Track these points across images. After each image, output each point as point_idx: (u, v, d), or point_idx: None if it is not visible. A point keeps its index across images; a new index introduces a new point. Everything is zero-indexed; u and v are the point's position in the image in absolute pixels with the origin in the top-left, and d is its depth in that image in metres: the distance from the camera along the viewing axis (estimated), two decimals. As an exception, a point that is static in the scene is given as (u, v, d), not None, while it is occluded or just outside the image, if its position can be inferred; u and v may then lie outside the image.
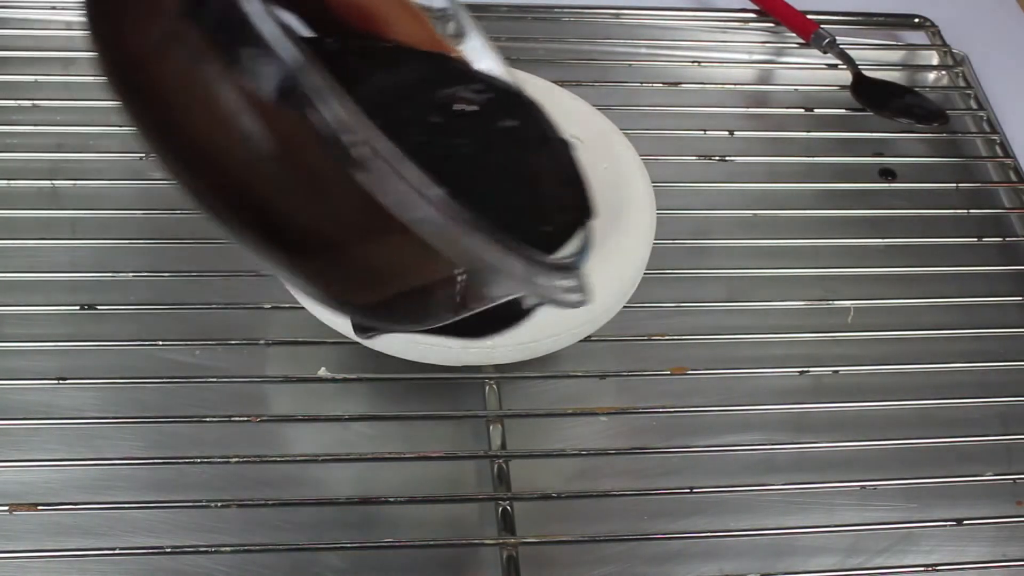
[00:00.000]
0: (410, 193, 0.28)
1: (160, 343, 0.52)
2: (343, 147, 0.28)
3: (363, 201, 0.29)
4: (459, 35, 0.41)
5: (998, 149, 0.67)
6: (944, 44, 0.74)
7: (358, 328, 0.41)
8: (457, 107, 0.37)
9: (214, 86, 0.29)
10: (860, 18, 0.74)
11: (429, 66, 0.38)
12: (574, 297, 0.34)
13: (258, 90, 0.28)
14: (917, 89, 0.70)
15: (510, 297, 0.35)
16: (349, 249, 0.33)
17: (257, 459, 0.48)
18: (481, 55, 0.41)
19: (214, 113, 0.29)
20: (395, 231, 0.30)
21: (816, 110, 0.68)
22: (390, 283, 0.35)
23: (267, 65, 0.27)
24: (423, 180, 0.28)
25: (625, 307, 0.52)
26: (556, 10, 0.72)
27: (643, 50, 0.71)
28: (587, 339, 0.51)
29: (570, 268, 0.34)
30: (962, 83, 0.71)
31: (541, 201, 0.37)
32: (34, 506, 0.46)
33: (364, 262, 0.33)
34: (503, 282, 0.33)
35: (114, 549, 0.45)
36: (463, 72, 0.39)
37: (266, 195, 0.31)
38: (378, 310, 0.36)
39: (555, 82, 0.56)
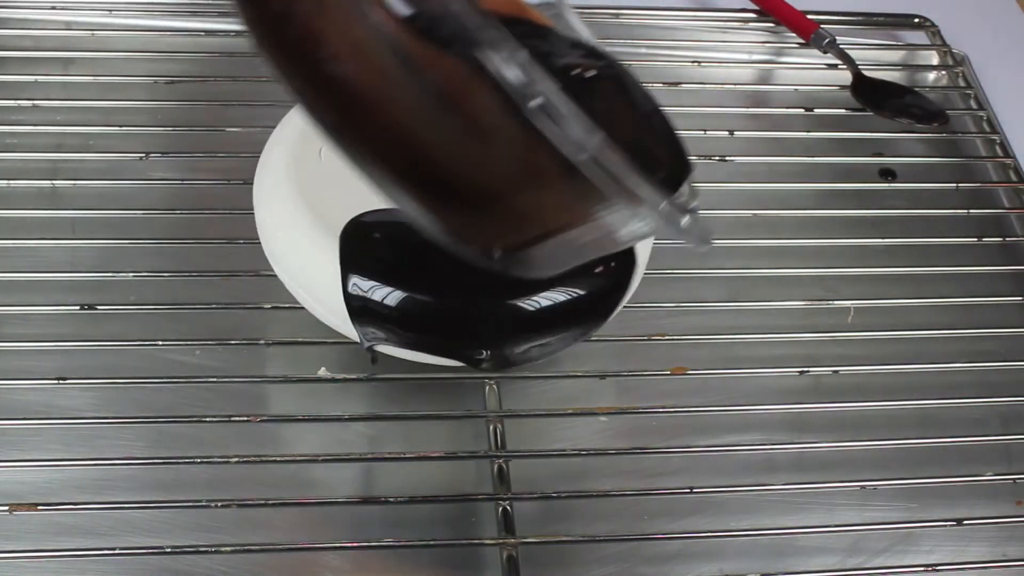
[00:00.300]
0: (580, 136, 0.31)
1: (160, 343, 0.52)
2: (523, 96, 0.31)
3: (525, 148, 0.32)
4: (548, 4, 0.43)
5: (998, 149, 0.67)
6: (944, 44, 0.74)
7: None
8: (575, 72, 0.40)
9: (388, 33, 0.31)
10: (860, 18, 0.74)
11: (538, 34, 0.41)
12: (699, 235, 0.38)
13: (433, 34, 0.31)
14: (917, 89, 0.70)
15: (638, 240, 0.39)
16: (504, 194, 0.35)
17: (257, 459, 0.48)
18: (575, 26, 0.43)
19: (384, 57, 0.32)
20: (552, 175, 0.33)
21: (816, 110, 0.68)
22: (535, 225, 0.37)
23: (446, 15, 0.30)
24: (590, 125, 0.32)
25: (625, 307, 0.52)
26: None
27: (643, 50, 0.71)
28: (587, 339, 0.51)
29: (694, 210, 0.38)
30: (962, 83, 0.71)
31: (652, 156, 0.40)
32: (34, 506, 0.46)
33: (515, 206, 0.36)
34: (644, 219, 0.36)
35: (114, 549, 0.45)
36: (569, 40, 0.41)
37: (427, 139, 0.33)
38: (516, 253, 0.38)
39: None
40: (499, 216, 0.36)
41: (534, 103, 0.31)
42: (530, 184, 0.35)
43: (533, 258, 0.38)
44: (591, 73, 0.40)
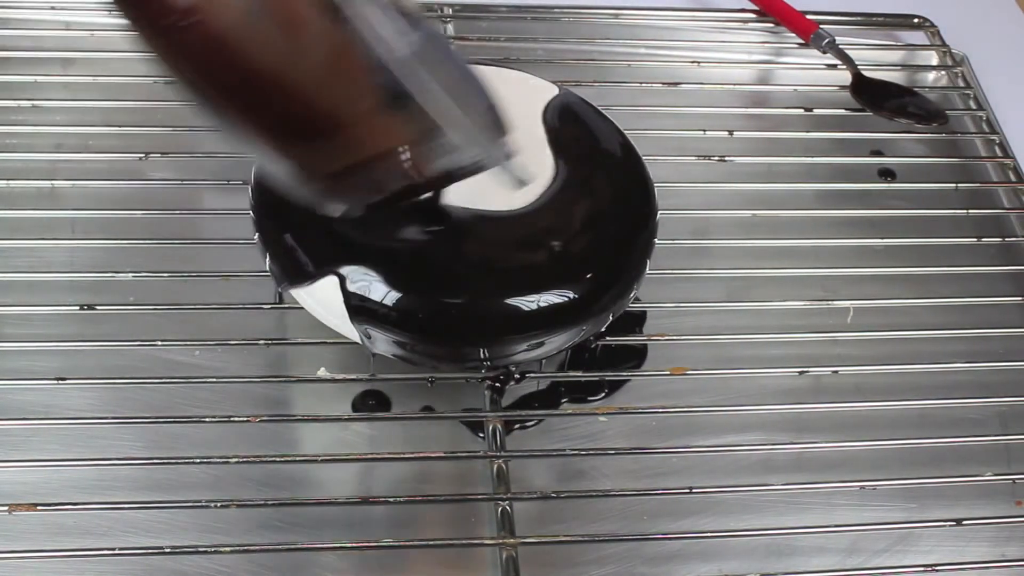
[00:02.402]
0: (394, 33, 0.33)
1: (160, 343, 0.52)
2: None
3: (340, 50, 0.34)
4: None
5: (997, 149, 0.67)
6: (943, 44, 0.74)
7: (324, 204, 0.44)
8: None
9: None
10: (860, 18, 0.74)
11: None
12: (517, 172, 0.40)
13: None
14: (916, 89, 0.70)
15: (455, 167, 0.40)
16: (316, 101, 0.36)
17: (257, 459, 0.48)
18: None
19: None
20: (366, 85, 0.34)
21: (815, 110, 0.68)
22: (351, 148, 0.38)
23: None
24: (404, 24, 0.33)
25: (625, 307, 0.52)
26: (556, 10, 0.72)
27: (642, 50, 0.71)
28: (588, 339, 0.51)
29: (510, 151, 0.40)
30: (961, 83, 0.71)
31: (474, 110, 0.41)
32: (33, 506, 0.46)
33: (329, 119, 0.37)
34: (461, 140, 0.38)
35: (113, 549, 0.45)
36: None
37: (241, 38, 0.34)
38: (337, 180, 0.39)
39: (554, 82, 0.56)
40: (322, 138, 0.37)
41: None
42: (351, 104, 0.36)
43: (351, 186, 0.40)
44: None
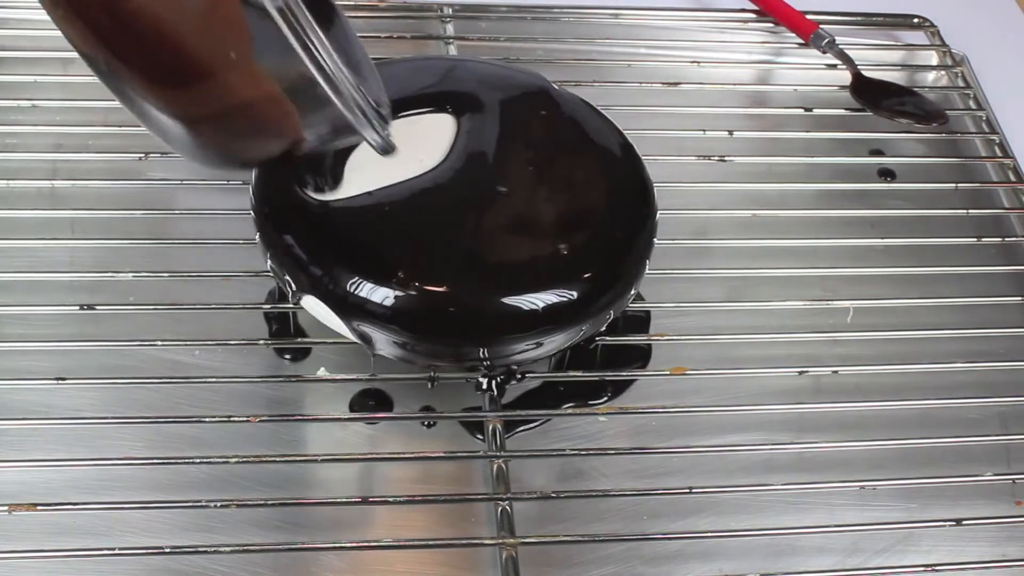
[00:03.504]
0: None
1: (159, 343, 0.52)
2: None
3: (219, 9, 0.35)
4: None
5: (997, 149, 0.67)
6: (943, 44, 0.74)
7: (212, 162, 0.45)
8: None
9: None
10: (859, 18, 0.74)
11: None
12: (382, 138, 0.41)
13: None
14: (916, 89, 0.70)
15: (330, 123, 0.40)
16: (188, 44, 0.37)
17: (256, 459, 0.48)
18: None
19: None
20: (240, 32, 0.35)
21: (815, 110, 0.68)
22: (222, 95, 0.39)
23: None
24: None
25: (625, 307, 0.52)
26: (555, 10, 0.71)
27: (642, 50, 0.71)
28: (590, 340, 0.51)
29: (383, 115, 0.41)
30: (961, 83, 0.71)
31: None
32: (33, 506, 0.46)
33: (201, 64, 0.37)
34: (335, 95, 0.38)
35: (113, 549, 0.45)
36: None
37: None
38: (209, 127, 0.40)
39: (554, 83, 0.56)
40: (194, 84, 0.38)
41: None
42: (223, 50, 0.37)
43: (224, 133, 0.41)
44: None
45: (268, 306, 0.54)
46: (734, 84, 0.71)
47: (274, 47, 0.36)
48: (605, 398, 0.54)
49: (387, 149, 0.43)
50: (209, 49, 0.37)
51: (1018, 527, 0.51)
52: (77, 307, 0.52)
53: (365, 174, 0.49)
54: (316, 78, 0.37)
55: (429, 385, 0.51)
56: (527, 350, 0.48)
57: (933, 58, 0.74)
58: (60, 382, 0.49)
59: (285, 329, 0.54)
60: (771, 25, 0.72)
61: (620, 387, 0.54)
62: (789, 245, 0.60)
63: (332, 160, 0.48)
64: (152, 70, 0.38)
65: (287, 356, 0.54)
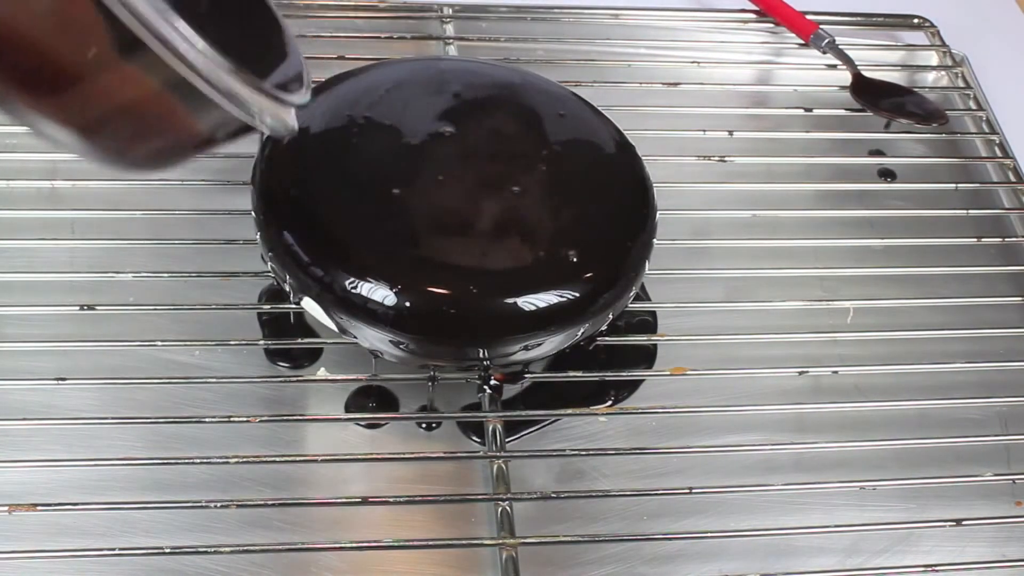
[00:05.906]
0: None
1: (159, 343, 0.52)
2: None
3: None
4: None
5: (997, 149, 0.67)
6: (943, 44, 0.74)
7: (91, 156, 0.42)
8: None
9: None
10: (859, 18, 0.74)
11: None
12: (284, 123, 0.38)
13: None
14: (916, 89, 0.70)
15: (217, 123, 0.39)
16: (47, 50, 0.35)
17: (256, 459, 0.48)
18: None
19: None
20: (100, 33, 0.33)
21: (815, 110, 0.68)
22: (98, 98, 0.37)
23: None
24: None
25: (625, 307, 0.52)
26: (556, 10, 0.71)
27: (643, 50, 0.71)
28: (588, 339, 0.51)
29: (282, 99, 0.38)
30: (961, 83, 0.71)
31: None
32: (33, 506, 0.46)
33: (66, 69, 0.36)
34: (211, 91, 0.36)
35: (113, 549, 0.45)
36: None
37: None
38: (96, 133, 0.39)
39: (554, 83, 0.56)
40: (67, 90, 0.37)
41: None
42: (86, 52, 0.35)
43: (115, 138, 0.39)
44: None
45: (268, 307, 0.54)
46: (734, 84, 0.71)
47: (130, 41, 0.33)
48: (610, 402, 0.53)
49: (285, 134, 0.40)
50: (69, 51, 0.35)
51: (1018, 527, 0.51)
52: (77, 307, 0.52)
53: None
54: (179, 68, 0.34)
55: (430, 385, 0.51)
56: (526, 350, 0.48)
57: (933, 58, 0.74)
58: (60, 382, 0.49)
59: (277, 332, 0.53)
60: (771, 25, 0.72)
61: (625, 391, 0.54)
62: (789, 245, 0.60)
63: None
64: (21, 79, 0.37)
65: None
